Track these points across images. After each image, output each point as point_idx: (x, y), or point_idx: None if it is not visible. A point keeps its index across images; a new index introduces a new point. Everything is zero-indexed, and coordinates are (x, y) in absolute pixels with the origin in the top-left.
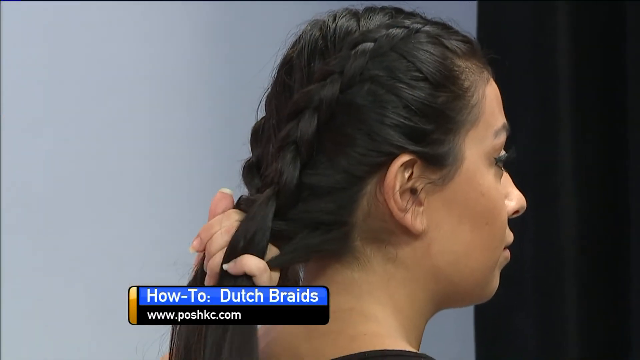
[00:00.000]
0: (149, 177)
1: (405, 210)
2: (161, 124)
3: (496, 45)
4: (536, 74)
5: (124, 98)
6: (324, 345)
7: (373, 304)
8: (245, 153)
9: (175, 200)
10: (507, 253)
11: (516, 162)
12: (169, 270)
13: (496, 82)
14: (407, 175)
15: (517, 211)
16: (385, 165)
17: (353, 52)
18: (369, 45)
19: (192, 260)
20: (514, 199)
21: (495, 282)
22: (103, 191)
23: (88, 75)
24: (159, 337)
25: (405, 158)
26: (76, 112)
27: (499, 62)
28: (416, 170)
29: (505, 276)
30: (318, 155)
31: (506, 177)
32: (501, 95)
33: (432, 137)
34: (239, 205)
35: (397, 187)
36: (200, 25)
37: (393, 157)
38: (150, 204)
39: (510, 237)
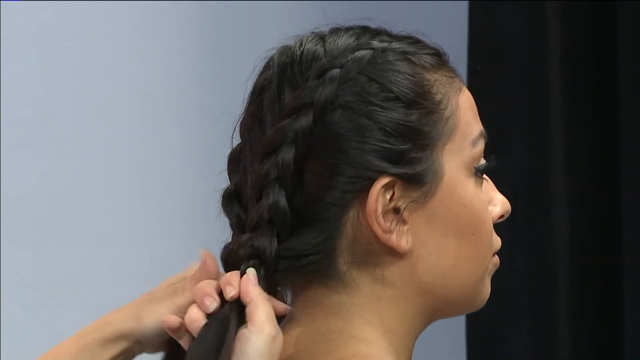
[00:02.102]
0: (141, 191)
1: (389, 232)
2: (153, 137)
3: (488, 58)
4: (527, 90)
5: (118, 100)
6: None
7: (363, 325)
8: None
9: (167, 213)
10: (496, 259)
11: (508, 175)
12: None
13: (473, 93)
14: (388, 196)
15: (502, 216)
16: (365, 189)
17: (321, 80)
18: (336, 71)
19: (184, 272)
20: (497, 204)
21: (487, 290)
22: (94, 204)
23: (88, 76)
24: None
25: (384, 180)
26: (75, 112)
27: (491, 81)
28: (397, 190)
29: (497, 292)
30: (299, 189)
31: (488, 183)
32: (493, 106)
33: (409, 156)
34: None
35: (380, 210)
36: (191, 38)
37: (373, 180)
38: (142, 217)
39: (497, 243)
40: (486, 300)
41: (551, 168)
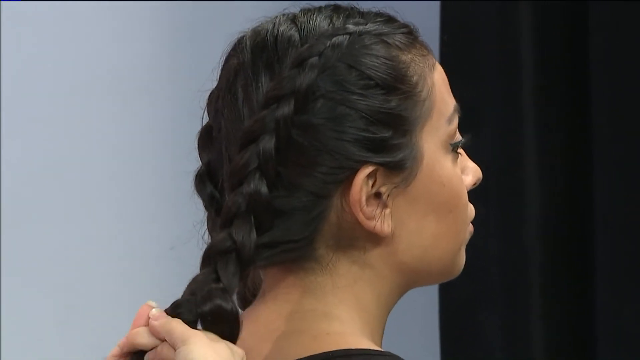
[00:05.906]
0: (115, 177)
1: (373, 218)
2: (124, 117)
3: (461, 43)
4: (500, 71)
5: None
6: (287, 345)
7: (337, 304)
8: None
9: (140, 193)
10: (471, 227)
11: (480, 157)
12: (137, 267)
13: (448, 75)
14: (370, 184)
15: (474, 183)
16: (348, 179)
17: (300, 69)
18: (315, 59)
19: (163, 255)
20: (469, 173)
21: (462, 260)
22: (70, 192)
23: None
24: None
25: (367, 170)
26: (49, 93)
27: (464, 62)
28: (379, 177)
29: (470, 272)
30: (280, 179)
31: (461, 154)
32: (465, 92)
33: (390, 143)
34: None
35: (364, 199)
36: (163, 18)
37: (355, 170)
38: (116, 203)
39: (472, 212)
40: (462, 269)
41: (523, 149)
